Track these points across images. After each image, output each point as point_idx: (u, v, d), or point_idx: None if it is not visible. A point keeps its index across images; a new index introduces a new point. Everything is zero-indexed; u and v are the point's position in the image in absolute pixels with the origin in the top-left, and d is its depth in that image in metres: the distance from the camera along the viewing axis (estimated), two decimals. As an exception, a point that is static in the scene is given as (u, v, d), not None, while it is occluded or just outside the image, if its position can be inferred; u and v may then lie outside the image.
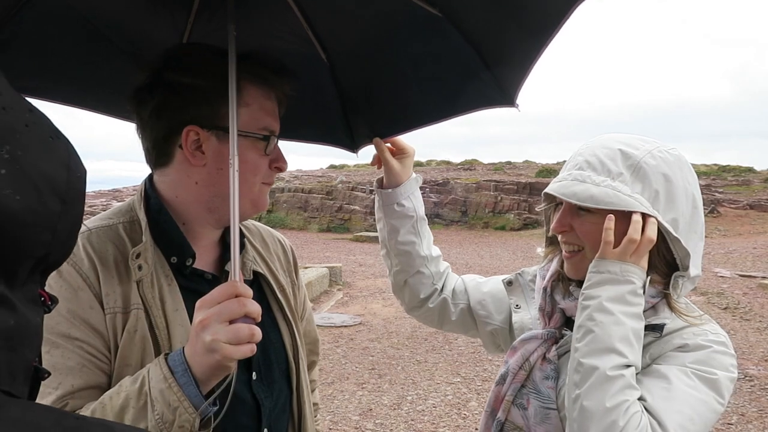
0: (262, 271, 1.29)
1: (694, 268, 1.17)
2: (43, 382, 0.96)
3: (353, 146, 1.61)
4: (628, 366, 1.07)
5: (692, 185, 1.19)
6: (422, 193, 1.57)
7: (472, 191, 23.74)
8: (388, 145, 1.51)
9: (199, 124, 1.10)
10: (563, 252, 1.27)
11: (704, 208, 1.24)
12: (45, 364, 0.59)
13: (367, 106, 1.51)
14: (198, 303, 0.96)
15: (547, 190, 1.24)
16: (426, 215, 1.55)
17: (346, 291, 10.33)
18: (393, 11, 1.27)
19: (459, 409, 5.09)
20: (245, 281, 1.24)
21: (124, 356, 1.03)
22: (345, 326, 7.83)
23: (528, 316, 1.38)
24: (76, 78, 1.31)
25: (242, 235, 1.28)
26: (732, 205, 21.37)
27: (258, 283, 1.29)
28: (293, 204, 24.23)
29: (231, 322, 0.93)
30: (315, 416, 1.44)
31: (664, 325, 1.16)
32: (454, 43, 1.31)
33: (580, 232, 1.21)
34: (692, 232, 1.18)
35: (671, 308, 1.18)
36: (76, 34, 1.20)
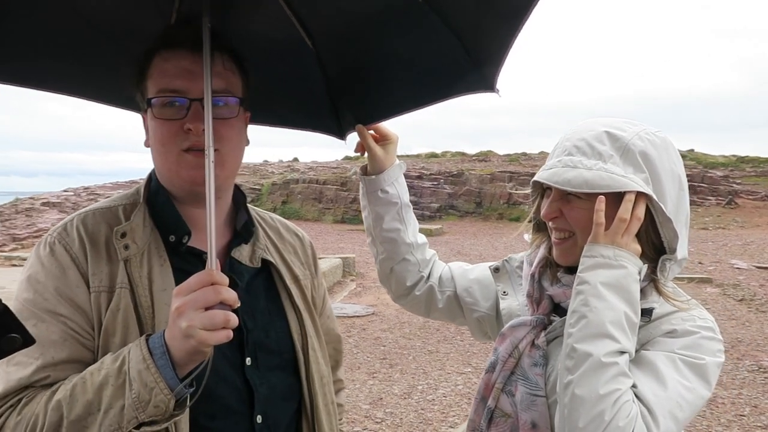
0: (271, 260, 1.31)
1: (681, 251, 1.17)
2: (24, 353, 1.00)
3: (341, 133, 1.61)
4: (622, 352, 1.06)
5: (678, 167, 1.19)
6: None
7: (486, 183, 23.59)
8: (372, 132, 1.52)
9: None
10: (553, 238, 1.26)
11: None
12: None
13: (350, 93, 1.52)
14: (175, 291, 0.99)
15: (536, 177, 1.23)
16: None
17: (359, 281, 10.37)
18: None
19: (469, 398, 5.11)
20: (253, 269, 1.27)
21: (108, 333, 1.07)
22: (357, 316, 7.88)
23: (516, 303, 1.38)
24: (65, 66, 1.32)
25: (251, 225, 1.31)
26: (750, 197, 20.99)
27: (267, 271, 1.31)
28: (308, 195, 24.27)
29: (208, 309, 0.95)
30: (339, 418, 1.44)
31: (653, 309, 1.16)
32: (434, 29, 1.31)
33: (570, 218, 1.21)
34: (680, 214, 1.18)
35: (659, 292, 1.18)
36: (60, 21, 1.21)
